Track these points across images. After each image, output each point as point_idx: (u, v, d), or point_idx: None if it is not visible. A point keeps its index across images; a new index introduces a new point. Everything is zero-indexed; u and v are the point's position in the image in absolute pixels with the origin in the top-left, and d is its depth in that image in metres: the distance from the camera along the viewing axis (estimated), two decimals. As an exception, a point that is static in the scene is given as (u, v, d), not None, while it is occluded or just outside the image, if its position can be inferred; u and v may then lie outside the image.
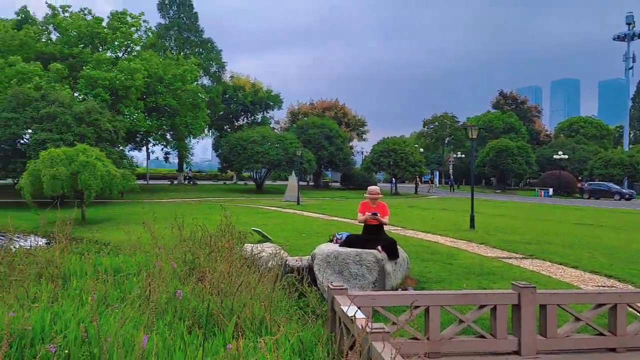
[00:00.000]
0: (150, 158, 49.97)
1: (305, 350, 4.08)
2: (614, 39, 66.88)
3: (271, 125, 52.97)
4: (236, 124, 53.13)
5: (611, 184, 42.70)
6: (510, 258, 9.98)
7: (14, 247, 7.93)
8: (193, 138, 45.46)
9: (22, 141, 26.02)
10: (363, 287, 6.56)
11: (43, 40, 34.22)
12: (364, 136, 60.33)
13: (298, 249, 9.56)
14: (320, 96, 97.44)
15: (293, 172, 30.57)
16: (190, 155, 48.92)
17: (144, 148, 44.61)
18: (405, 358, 3.18)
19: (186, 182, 46.45)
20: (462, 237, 13.04)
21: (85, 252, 8.28)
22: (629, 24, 65.00)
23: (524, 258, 10.01)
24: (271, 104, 52.49)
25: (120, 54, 36.77)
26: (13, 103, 25.33)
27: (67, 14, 34.83)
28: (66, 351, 3.30)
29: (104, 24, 35.08)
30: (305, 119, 50.98)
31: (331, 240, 7.90)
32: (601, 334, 4.91)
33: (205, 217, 13.21)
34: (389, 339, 3.16)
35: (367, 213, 7.18)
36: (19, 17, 35.89)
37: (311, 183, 53.88)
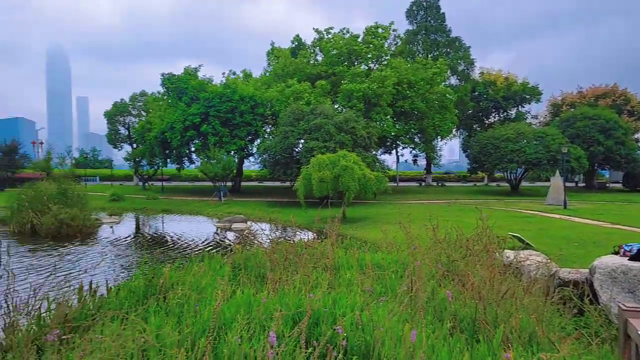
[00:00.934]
0: (399, 161, 52.75)
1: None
2: None
3: (527, 121, 48.45)
4: (486, 122, 50.77)
5: None
6: None
7: (295, 240, 9.63)
8: (441, 139, 45.77)
9: (296, 149, 31.44)
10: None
11: (311, 62, 40.58)
12: (657, 126, 48.46)
13: (569, 259, 8.41)
14: (590, 82, 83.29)
15: (557, 172, 27.15)
16: (437, 157, 49.42)
17: (394, 152, 47.45)
18: None
19: (435, 183, 47.13)
20: None
21: (349, 248, 9.37)
22: None
23: None
24: (527, 97, 48.01)
25: (372, 65, 40.24)
26: (290, 118, 30.91)
27: (329, 35, 40.30)
28: (344, 334, 3.79)
29: (359, 39, 39.06)
30: (572, 110, 44.52)
31: (616, 253, 6.66)
32: None
33: (458, 220, 13.06)
34: None
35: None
36: (294, 45, 43.53)
37: (581, 184, 46.75)
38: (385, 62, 39.27)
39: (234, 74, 43.76)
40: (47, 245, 15.86)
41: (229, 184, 37.18)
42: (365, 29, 40.00)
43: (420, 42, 48.21)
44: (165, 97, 40.76)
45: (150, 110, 42.73)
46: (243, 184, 43.55)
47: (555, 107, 51.56)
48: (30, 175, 38.74)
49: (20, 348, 4.13)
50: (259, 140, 37.54)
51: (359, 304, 4.38)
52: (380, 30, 39.55)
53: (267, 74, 43.23)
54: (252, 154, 39.00)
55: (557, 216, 19.27)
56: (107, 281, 7.28)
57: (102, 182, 50.93)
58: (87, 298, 5.52)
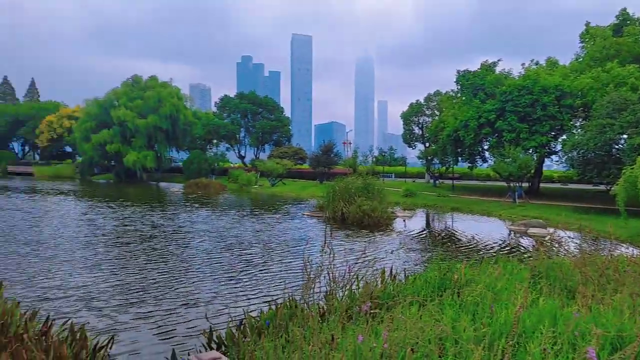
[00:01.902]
0: None
1: None
2: None
3: None
4: None
5: None
6: None
7: (612, 254, 8.12)
8: None
9: (617, 146, 26.46)
10: None
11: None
12: None
13: None
14: None
15: None
16: None
17: None
18: None
19: None
20: None
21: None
22: None
23: None
24: None
25: None
26: (609, 108, 26.23)
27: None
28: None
29: None
30: None
31: None
32: None
33: None
34: None
35: None
36: (617, 21, 36.69)
37: None
38: None
39: (536, 64, 40.32)
40: (352, 231, 18.59)
41: (525, 184, 34.62)
42: None
43: None
44: (459, 94, 41.21)
45: (444, 109, 44.07)
46: (542, 185, 39.78)
47: None
48: (340, 171, 46.16)
49: (337, 313, 4.97)
50: (564, 136, 33.42)
51: None
52: None
53: (579, 60, 37.92)
54: (555, 152, 35.11)
55: None
56: (405, 270, 7.95)
57: (397, 179, 55.88)
58: (387, 281, 6.19)
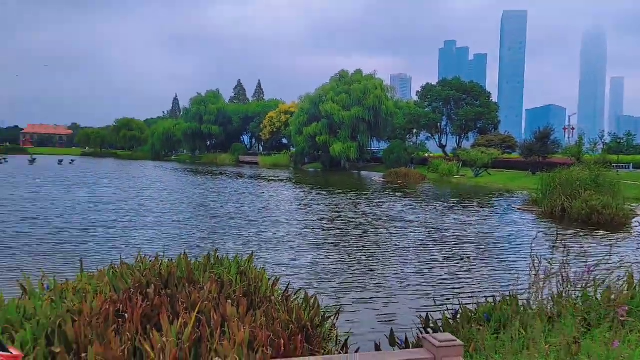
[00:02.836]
0: None
1: None
2: None
3: None
4: None
5: None
6: None
7: None
8: None
9: None
10: None
11: None
12: None
13: None
14: None
15: None
16: None
17: None
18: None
19: None
20: None
21: None
22: None
23: None
24: None
25: None
26: None
27: None
28: None
29: None
30: None
31: None
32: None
33: None
34: None
35: None
36: None
37: None
38: None
39: None
40: (579, 229, 16.43)
41: None
42: None
43: None
44: None
45: None
46: None
47: None
48: (560, 161, 41.09)
49: (573, 316, 4.50)
50: None
51: None
52: None
53: None
54: None
55: None
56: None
57: (636, 170, 46.94)
58: (638, 288, 5.31)
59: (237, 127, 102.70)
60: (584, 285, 5.26)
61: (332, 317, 5.18)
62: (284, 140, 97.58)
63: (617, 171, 36.89)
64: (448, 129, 70.38)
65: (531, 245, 6.05)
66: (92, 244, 11.74)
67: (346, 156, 68.87)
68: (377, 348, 4.88)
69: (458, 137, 69.55)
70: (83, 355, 3.49)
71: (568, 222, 18.26)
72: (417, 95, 74.37)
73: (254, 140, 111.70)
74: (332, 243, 12.94)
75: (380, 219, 18.00)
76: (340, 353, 4.77)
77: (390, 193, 30.84)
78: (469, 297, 7.71)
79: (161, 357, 3.59)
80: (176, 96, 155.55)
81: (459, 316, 5.42)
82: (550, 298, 5.63)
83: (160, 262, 5.51)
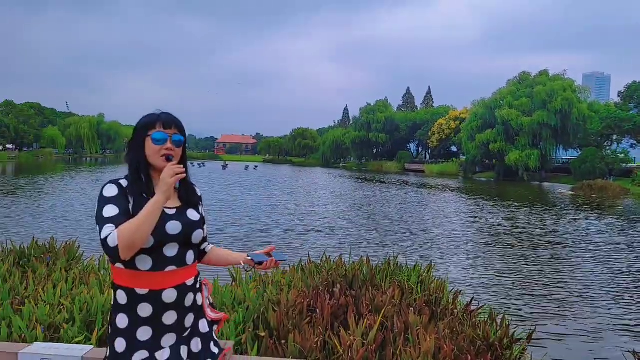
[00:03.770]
0: None
1: None
2: None
3: None
4: None
5: None
6: None
7: None
8: None
9: None
10: None
11: None
12: None
13: None
14: None
15: None
16: None
17: None
18: None
19: None
20: None
21: None
22: None
23: None
24: None
25: None
26: None
27: None
28: None
29: None
30: None
31: None
32: None
33: None
34: None
35: None
36: None
37: None
38: None
39: None
40: None
41: None
42: None
43: None
44: None
45: None
46: None
47: None
48: None
49: None
50: None
51: None
52: None
53: None
54: None
55: None
56: None
57: None
58: None
59: (404, 135, 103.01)
60: None
61: (523, 341, 4.86)
62: (453, 148, 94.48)
63: None
64: (663, 135, 59.53)
65: None
66: (275, 245, 13.01)
67: (524, 165, 63.44)
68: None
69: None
70: (283, 342, 3.92)
71: None
72: (618, 96, 64.64)
73: (420, 148, 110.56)
74: (515, 263, 12.03)
75: (575, 240, 15.97)
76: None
77: (584, 209, 27.36)
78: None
79: (349, 354, 3.83)
80: (346, 106, 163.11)
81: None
82: None
83: (343, 263, 5.87)
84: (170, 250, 1.90)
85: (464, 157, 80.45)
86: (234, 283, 5.39)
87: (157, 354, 1.86)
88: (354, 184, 45.30)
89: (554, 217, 22.35)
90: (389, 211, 22.59)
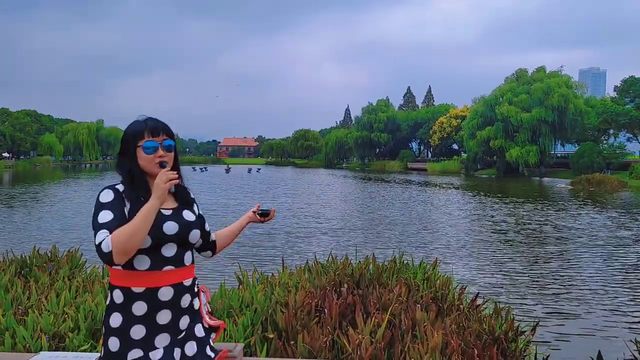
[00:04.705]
0: None
1: None
2: None
3: None
4: None
5: None
6: None
7: None
8: None
9: None
10: None
11: None
12: None
13: None
14: None
15: None
16: None
17: None
18: None
19: None
20: None
21: None
22: None
23: None
24: None
25: None
26: None
27: None
28: None
29: None
30: None
31: None
32: None
33: None
34: None
35: None
36: None
37: None
38: None
39: None
40: None
41: None
42: None
43: None
44: None
45: None
46: None
47: None
48: None
49: None
50: None
51: None
52: None
53: None
54: None
55: None
56: None
57: None
58: None
59: (406, 134, 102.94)
60: None
61: (528, 333, 4.85)
62: (454, 146, 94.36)
63: None
64: (657, 128, 59.31)
65: None
66: (280, 248, 13.00)
67: (524, 161, 63.28)
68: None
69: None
70: (292, 342, 3.91)
71: None
72: (614, 90, 64.43)
73: (422, 147, 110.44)
74: (523, 259, 11.96)
75: (582, 234, 15.66)
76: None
77: (585, 203, 27.23)
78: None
79: (358, 352, 3.82)
80: (348, 107, 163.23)
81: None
82: None
83: (349, 263, 5.87)
84: (169, 250, 1.91)
85: (465, 155, 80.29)
86: (241, 286, 5.39)
87: (150, 354, 1.86)
88: (359, 185, 45.26)
89: (557, 211, 22.27)
90: (394, 210, 22.56)
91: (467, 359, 3.91)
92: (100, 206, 1.84)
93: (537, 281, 9.37)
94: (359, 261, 5.96)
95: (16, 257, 6.33)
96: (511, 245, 13.59)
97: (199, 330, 2.03)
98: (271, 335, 4.00)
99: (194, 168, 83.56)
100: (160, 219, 1.86)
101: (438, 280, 5.51)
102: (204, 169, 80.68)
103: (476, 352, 3.91)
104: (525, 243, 13.84)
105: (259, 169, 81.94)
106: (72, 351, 3.51)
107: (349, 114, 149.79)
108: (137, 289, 1.86)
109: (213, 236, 2.24)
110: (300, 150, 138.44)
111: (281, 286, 5.13)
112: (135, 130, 1.96)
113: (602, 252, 12.53)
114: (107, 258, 1.72)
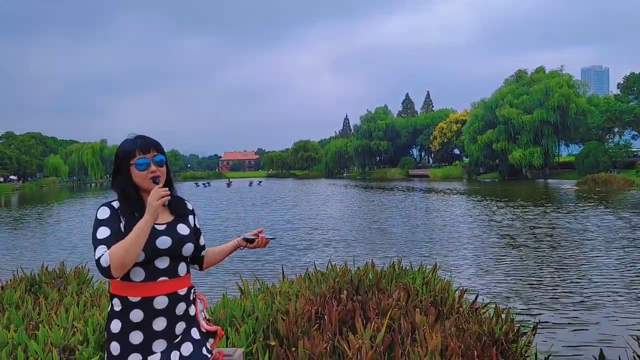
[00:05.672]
0: None
1: None
2: None
3: None
4: None
5: None
6: None
7: None
8: None
9: None
10: None
11: None
12: None
13: None
14: None
15: None
16: None
17: None
18: None
19: None
20: None
21: None
22: None
23: None
24: None
25: None
26: None
27: None
28: None
29: None
30: None
31: None
32: None
33: None
34: None
35: None
36: None
37: None
38: None
39: None
40: None
41: None
42: None
43: None
44: None
45: None
46: None
47: None
48: None
49: None
50: None
51: None
52: None
53: None
54: None
55: None
56: None
57: None
58: None
59: (406, 140, 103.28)
60: None
61: (528, 334, 4.95)
62: (456, 151, 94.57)
63: None
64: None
65: None
66: (280, 260, 13.09)
67: (528, 163, 63.40)
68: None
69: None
70: (293, 349, 4.03)
71: None
72: (618, 88, 64.62)
73: (422, 153, 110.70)
74: (528, 263, 12.00)
75: (591, 237, 15.56)
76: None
77: (593, 204, 27.14)
78: None
79: (358, 357, 3.93)
80: (346, 116, 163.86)
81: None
82: None
83: (349, 270, 5.99)
84: (162, 262, 2.06)
85: (467, 159, 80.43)
86: (242, 296, 5.51)
87: (149, 358, 2.01)
88: (361, 194, 45.22)
89: (564, 214, 22.21)
90: (396, 219, 22.64)
91: (467, 361, 4.01)
92: (98, 223, 2.00)
93: (547, 285, 9.43)
94: (358, 268, 6.08)
95: (26, 275, 6.52)
96: (522, 249, 13.59)
97: (195, 333, 2.17)
98: (273, 343, 4.12)
99: (196, 184, 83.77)
100: (153, 234, 2.01)
101: (438, 285, 5.62)
102: (207, 184, 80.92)
103: (475, 353, 4.02)
104: (535, 248, 13.85)
105: (260, 182, 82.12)
106: (83, 363, 3.66)
107: (348, 123, 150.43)
108: (134, 298, 2.02)
109: (204, 252, 2.36)
110: (300, 162, 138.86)
111: (282, 295, 5.25)
112: (126, 150, 2.11)
113: (612, 254, 12.57)
114: (106, 272, 1.88)
